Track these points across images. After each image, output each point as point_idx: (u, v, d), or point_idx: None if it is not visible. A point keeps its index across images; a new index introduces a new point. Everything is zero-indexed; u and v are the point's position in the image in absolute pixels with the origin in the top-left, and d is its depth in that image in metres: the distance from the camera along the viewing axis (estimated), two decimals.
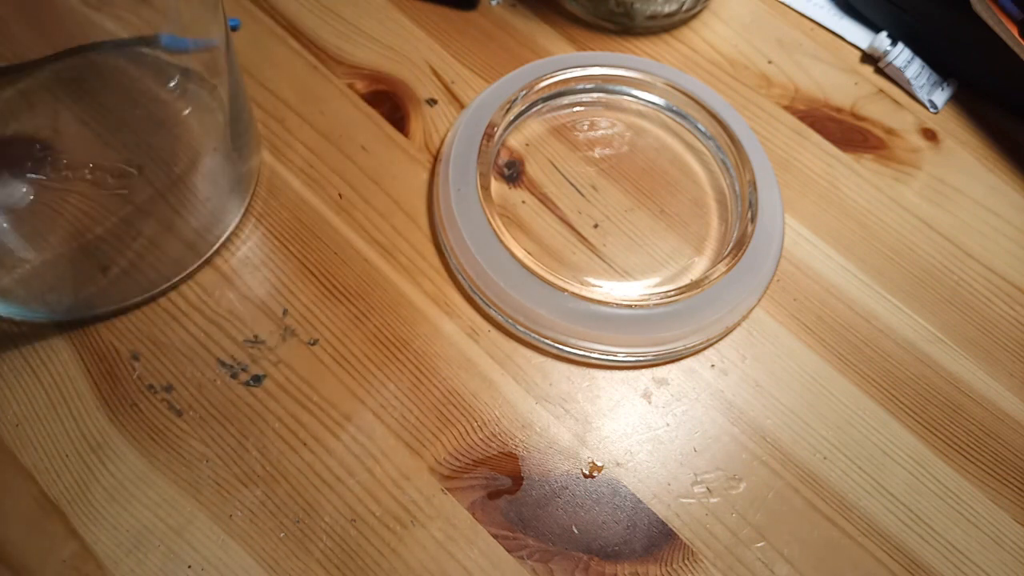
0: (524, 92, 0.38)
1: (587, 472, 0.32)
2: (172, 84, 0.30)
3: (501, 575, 0.29)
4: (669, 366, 0.34)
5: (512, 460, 0.32)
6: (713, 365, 0.35)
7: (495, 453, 0.32)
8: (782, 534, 0.31)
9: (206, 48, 0.30)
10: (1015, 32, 0.40)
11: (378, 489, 0.30)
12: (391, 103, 0.40)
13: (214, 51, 0.30)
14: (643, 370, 0.34)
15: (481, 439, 0.32)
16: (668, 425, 0.33)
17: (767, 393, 0.34)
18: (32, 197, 0.29)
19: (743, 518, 0.31)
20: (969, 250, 0.40)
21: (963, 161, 0.43)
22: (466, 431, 0.32)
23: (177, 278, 0.33)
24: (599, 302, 0.33)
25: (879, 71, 0.45)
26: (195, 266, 0.34)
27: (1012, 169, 0.43)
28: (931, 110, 0.44)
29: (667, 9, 0.43)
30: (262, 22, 0.41)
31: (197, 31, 0.29)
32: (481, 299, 0.34)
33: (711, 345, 0.35)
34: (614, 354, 0.34)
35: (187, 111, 0.31)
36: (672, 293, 0.34)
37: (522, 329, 0.34)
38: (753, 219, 0.36)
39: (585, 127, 0.40)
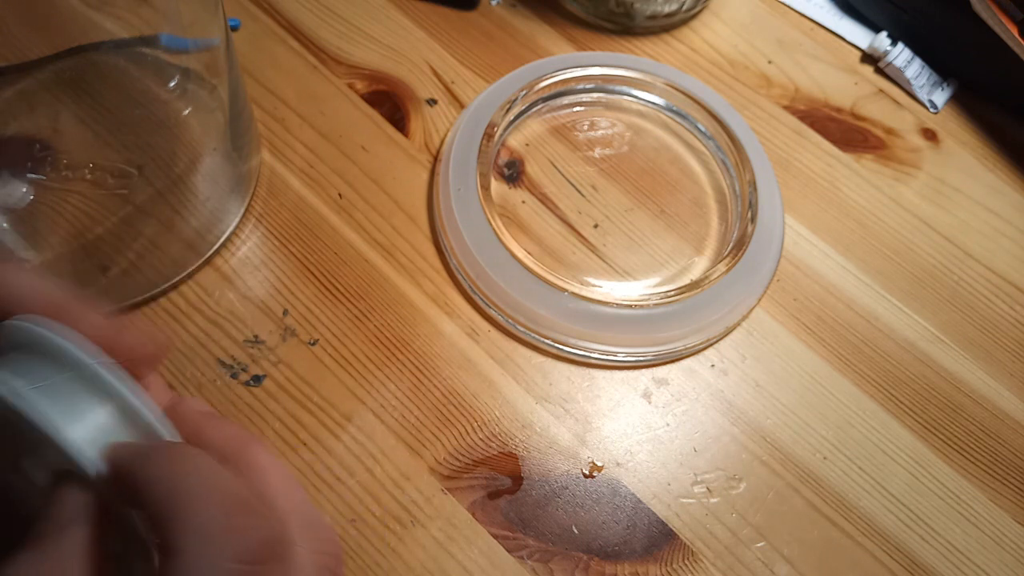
0: (524, 92, 0.38)
1: (587, 472, 0.32)
2: (172, 84, 0.30)
3: (501, 575, 0.29)
4: (669, 366, 0.34)
5: (512, 460, 0.32)
6: (713, 365, 0.35)
7: (495, 453, 0.32)
8: (782, 534, 0.31)
9: (206, 48, 0.30)
10: (1015, 32, 0.41)
11: (378, 489, 0.30)
12: (391, 103, 0.40)
13: (214, 51, 0.30)
14: (643, 370, 0.34)
15: (481, 439, 0.32)
16: (668, 425, 0.33)
17: (767, 393, 0.34)
18: (32, 197, 0.29)
19: (743, 518, 0.31)
20: (969, 250, 0.40)
21: (963, 161, 0.43)
22: (466, 431, 0.32)
23: (177, 278, 0.33)
24: (599, 302, 0.33)
25: (879, 71, 0.45)
26: (195, 266, 0.34)
27: (1012, 169, 0.43)
28: (931, 110, 0.44)
29: (667, 9, 0.43)
30: (262, 22, 0.41)
31: (197, 31, 0.29)
32: (481, 299, 0.34)
33: (711, 345, 0.35)
34: (614, 354, 0.34)
35: (187, 111, 0.31)
36: (672, 293, 0.34)
37: (522, 329, 0.34)
38: (753, 219, 0.36)
39: (585, 127, 0.40)
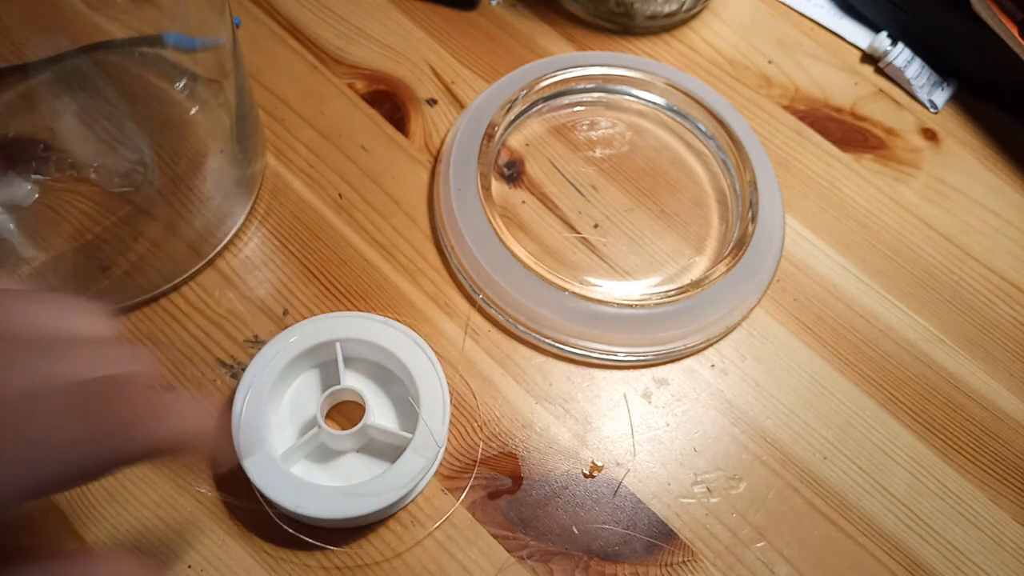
0: (524, 92, 0.38)
1: (587, 472, 0.32)
2: (179, 85, 0.31)
3: (501, 575, 0.29)
4: (669, 366, 0.34)
5: (512, 460, 0.32)
6: (713, 365, 0.35)
7: (495, 453, 0.32)
8: (782, 534, 0.31)
9: (213, 48, 0.30)
10: (1015, 32, 0.40)
11: None
12: (391, 103, 0.40)
13: (221, 52, 0.30)
14: (643, 370, 0.34)
15: (481, 439, 0.32)
16: (668, 425, 0.33)
17: (767, 393, 0.34)
18: (36, 197, 0.29)
19: (743, 518, 0.32)
20: (969, 250, 0.40)
21: (963, 161, 0.43)
22: (466, 431, 0.32)
23: (179, 279, 0.33)
24: (599, 302, 0.33)
25: (879, 71, 0.45)
26: (197, 267, 0.34)
27: (1012, 169, 0.43)
28: (931, 110, 0.44)
29: (667, 9, 0.43)
30: (262, 22, 0.41)
31: (204, 31, 0.29)
32: (481, 299, 0.34)
33: (711, 345, 0.35)
34: (614, 354, 0.34)
35: (193, 111, 0.31)
36: (672, 293, 0.34)
37: (522, 329, 0.34)
38: (753, 219, 0.36)
39: (585, 127, 0.40)
